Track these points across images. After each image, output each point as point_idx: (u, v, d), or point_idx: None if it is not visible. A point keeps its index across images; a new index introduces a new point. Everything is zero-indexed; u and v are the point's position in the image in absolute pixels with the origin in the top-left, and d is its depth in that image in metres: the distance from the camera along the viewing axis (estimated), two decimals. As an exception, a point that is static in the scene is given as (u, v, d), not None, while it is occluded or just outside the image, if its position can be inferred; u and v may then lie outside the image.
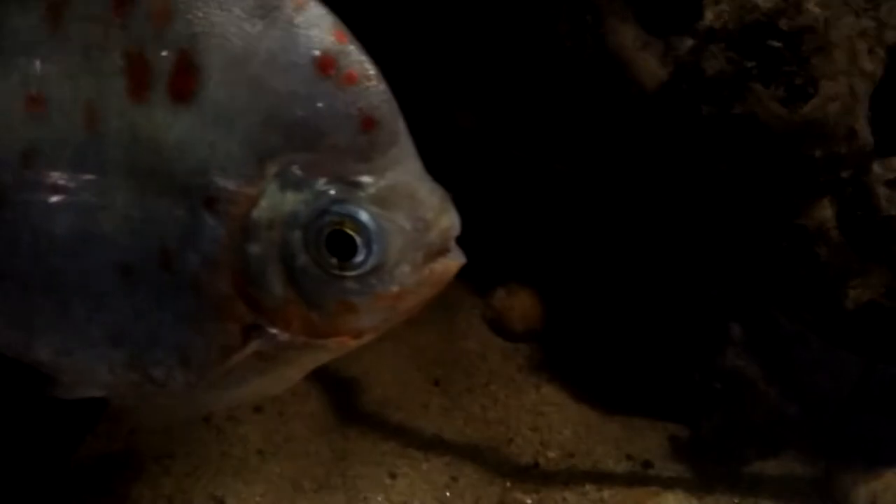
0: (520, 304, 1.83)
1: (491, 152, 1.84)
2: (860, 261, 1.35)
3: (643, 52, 1.71)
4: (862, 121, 1.38)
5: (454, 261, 0.69)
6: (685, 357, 1.50)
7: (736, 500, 1.36)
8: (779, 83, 1.40)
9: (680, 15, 1.61)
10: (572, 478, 1.42)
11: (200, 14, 0.63)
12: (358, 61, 0.65)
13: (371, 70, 0.65)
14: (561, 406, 1.62)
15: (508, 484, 1.42)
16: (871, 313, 1.32)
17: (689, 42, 1.51)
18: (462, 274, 2.23)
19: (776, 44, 1.40)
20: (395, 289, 0.66)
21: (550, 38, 1.75)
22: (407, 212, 0.66)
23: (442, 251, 0.68)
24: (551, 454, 1.48)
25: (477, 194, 1.91)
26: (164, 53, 0.63)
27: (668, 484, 1.40)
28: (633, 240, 1.63)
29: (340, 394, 1.57)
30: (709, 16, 1.48)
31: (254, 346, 0.68)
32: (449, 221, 0.68)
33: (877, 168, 1.39)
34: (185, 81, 0.63)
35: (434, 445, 1.47)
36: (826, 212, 1.37)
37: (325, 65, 0.63)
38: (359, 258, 0.65)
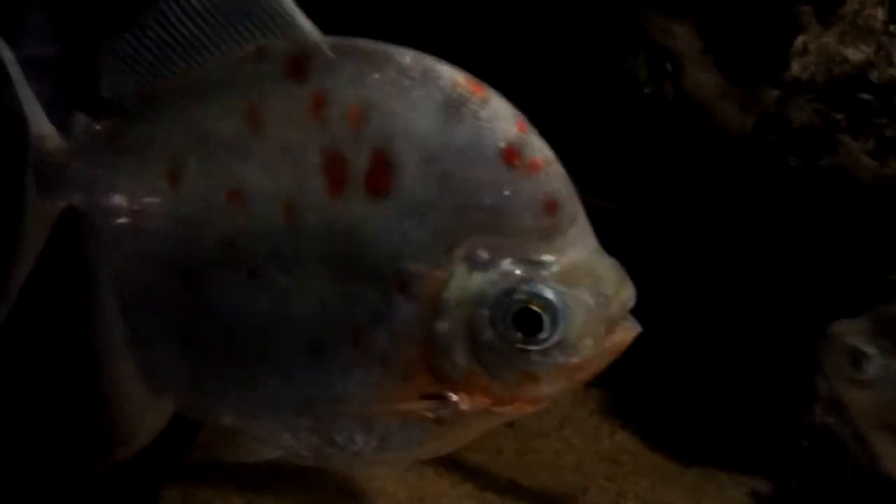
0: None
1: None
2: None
3: (724, 100, 1.72)
4: (956, 175, 1.36)
5: (631, 330, 0.71)
6: (769, 410, 1.47)
7: (822, 563, 1.32)
8: (868, 136, 1.39)
9: (763, 65, 1.61)
10: (653, 530, 1.41)
11: (394, 114, 0.68)
12: (539, 149, 0.69)
13: (551, 156, 0.69)
14: (636, 454, 1.59)
15: (588, 534, 1.41)
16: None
17: (775, 93, 1.52)
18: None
19: (867, 96, 1.40)
20: (576, 360, 0.69)
21: (629, 85, 1.77)
22: (589, 287, 0.69)
23: (620, 321, 0.71)
24: (628, 504, 1.47)
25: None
26: (360, 151, 0.68)
27: (751, 541, 1.37)
28: (716, 286, 1.61)
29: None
30: (795, 67, 1.48)
31: (434, 412, 0.70)
32: (627, 294, 0.71)
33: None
34: (380, 177, 0.68)
35: (510, 490, 1.46)
36: (920, 267, 1.35)
37: (511, 155, 0.67)
38: (544, 334, 0.68)
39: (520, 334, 0.68)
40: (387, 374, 0.70)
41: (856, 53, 1.41)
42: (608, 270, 0.70)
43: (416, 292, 0.68)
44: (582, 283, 0.68)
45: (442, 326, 0.68)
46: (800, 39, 1.48)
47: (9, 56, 0.79)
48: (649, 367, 1.71)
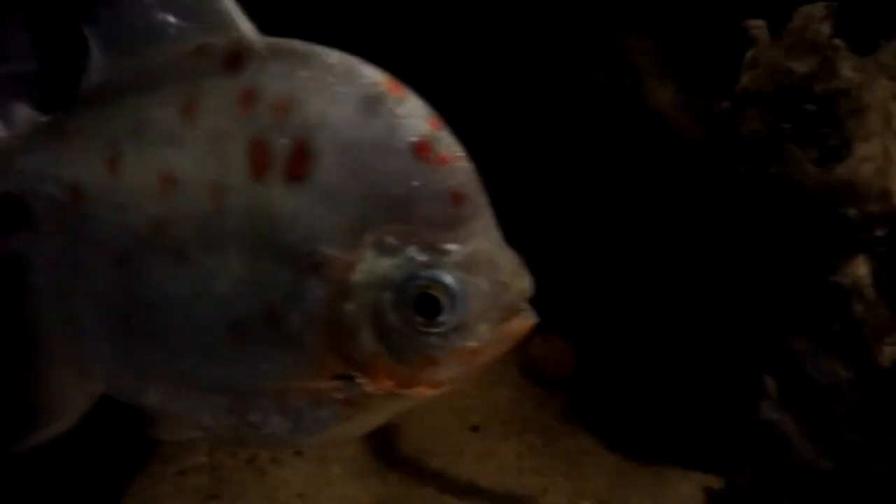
0: (555, 353, 1.86)
1: (531, 208, 1.90)
2: (895, 318, 1.37)
3: (680, 112, 1.78)
4: (895, 181, 1.41)
5: (528, 320, 0.75)
6: (719, 409, 1.51)
7: (770, 555, 1.36)
8: (813, 144, 1.45)
9: (717, 78, 1.67)
10: (608, 527, 1.43)
11: (315, 107, 0.72)
12: (449, 145, 0.73)
13: (460, 152, 0.73)
14: (595, 455, 1.63)
15: (544, 532, 1.43)
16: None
17: (725, 104, 1.57)
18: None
19: (811, 107, 1.46)
20: (473, 344, 0.72)
21: (589, 98, 1.82)
22: (487, 276, 0.73)
23: (517, 311, 0.74)
24: (585, 503, 1.49)
25: (518, 245, 1.97)
26: (283, 141, 0.72)
27: (702, 536, 1.40)
28: (670, 291, 1.66)
29: (380, 439, 1.61)
30: (745, 80, 1.53)
31: (343, 392, 0.74)
32: (523, 284, 0.75)
33: (910, 227, 1.42)
34: (299, 165, 0.72)
35: (470, 492, 1.49)
36: (861, 269, 1.40)
37: (422, 149, 0.72)
38: (443, 317, 0.72)
39: (420, 318, 0.71)
40: (299, 355, 0.73)
41: (801, 66, 1.47)
42: (507, 261, 0.74)
43: (328, 275, 0.71)
44: (481, 272, 0.72)
45: (350, 308, 0.72)
46: (750, 53, 1.54)
47: None
48: (610, 371, 1.75)
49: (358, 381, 0.73)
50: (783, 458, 1.41)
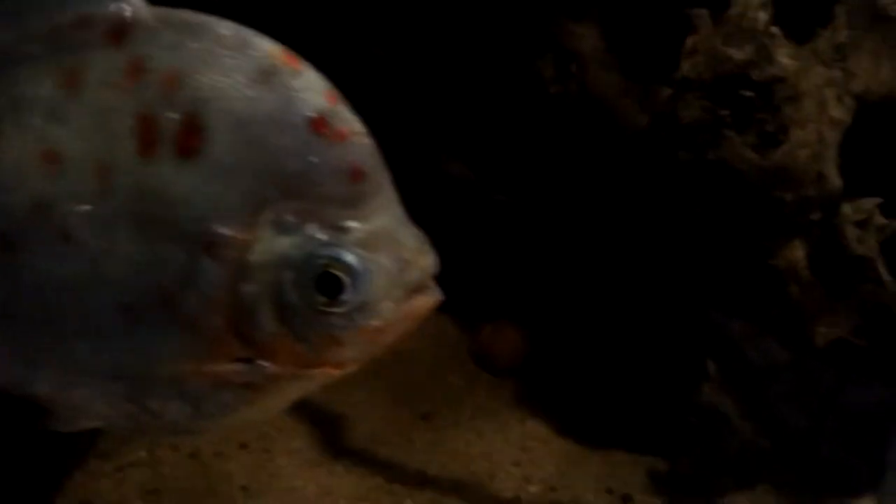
0: (506, 340, 1.87)
1: (479, 197, 1.90)
2: (830, 299, 1.40)
3: (625, 100, 1.79)
4: (830, 166, 1.45)
5: (432, 297, 0.74)
6: (664, 393, 1.54)
7: (711, 533, 1.39)
8: (751, 130, 1.48)
9: (660, 65, 1.69)
10: (553, 512, 1.45)
11: (206, 80, 0.69)
12: (346, 120, 0.71)
13: (359, 128, 0.71)
14: (545, 440, 1.64)
15: (491, 518, 1.44)
16: (840, 350, 1.37)
17: (667, 91, 1.59)
18: (450, 310, 2.26)
19: (748, 93, 1.48)
20: (377, 323, 0.72)
21: (536, 85, 1.83)
22: (389, 253, 0.71)
23: (421, 288, 0.73)
24: (533, 489, 1.51)
25: (466, 235, 1.97)
26: (172, 115, 0.69)
27: (646, 517, 1.43)
28: (615, 278, 1.68)
29: (327, 430, 1.60)
30: (685, 67, 1.55)
31: (243, 375, 0.72)
32: (427, 261, 0.74)
33: (846, 210, 1.46)
34: (190, 140, 0.69)
35: (418, 481, 1.49)
36: (797, 252, 1.43)
37: (318, 124, 0.70)
38: (344, 296, 0.70)
39: (322, 297, 0.70)
40: (196, 338, 0.71)
41: (739, 53, 1.49)
42: (410, 238, 0.73)
43: (223, 255, 0.70)
44: (383, 249, 0.71)
45: (248, 289, 0.70)
46: (690, 40, 1.55)
47: None
48: (561, 357, 1.77)
49: (259, 363, 0.71)
50: (723, 439, 1.45)
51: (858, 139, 1.50)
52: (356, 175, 0.70)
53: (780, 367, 1.39)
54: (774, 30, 1.49)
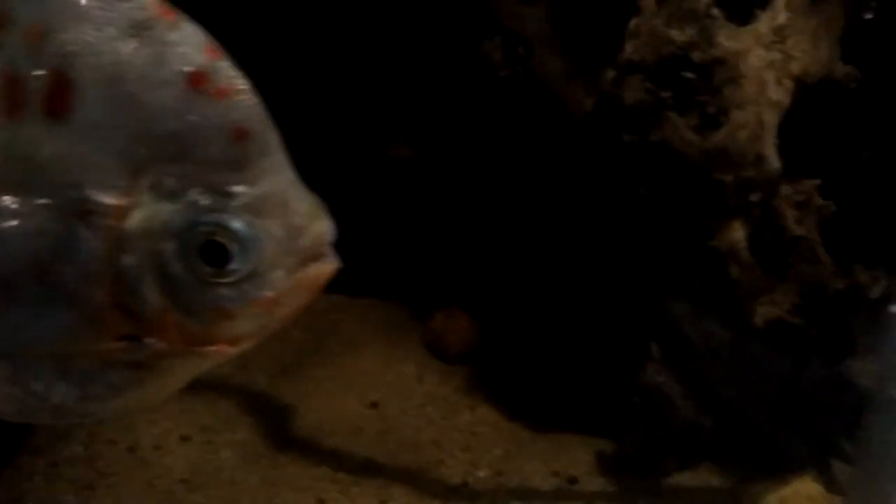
0: (457, 328, 1.86)
1: (427, 181, 1.89)
2: (769, 279, 1.42)
3: (571, 82, 1.79)
4: (770, 147, 1.46)
5: (328, 265, 0.69)
6: (611, 375, 1.55)
7: (655, 512, 1.41)
8: (693, 112, 1.48)
9: (605, 47, 1.68)
10: (499, 496, 1.45)
11: (74, 34, 0.64)
12: (228, 76, 0.66)
13: (242, 84, 0.66)
14: (494, 425, 1.64)
15: (437, 504, 1.44)
16: (778, 329, 1.38)
17: (612, 73, 1.59)
18: (402, 299, 2.23)
19: (690, 75, 1.48)
20: (270, 294, 0.67)
21: (484, 69, 1.81)
22: (279, 219, 0.67)
23: (316, 256, 0.69)
24: (481, 473, 1.51)
25: (416, 221, 1.96)
26: (38, 72, 0.64)
27: (591, 498, 1.43)
28: (562, 262, 1.68)
29: (273, 421, 1.57)
30: (628, 49, 1.55)
31: (130, 354, 0.69)
32: (321, 227, 0.69)
33: (785, 191, 1.47)
34: (59, 100, 0.64)
35: (366, 469, 1.48)
36: (737, 233, 1.44)
37: (197, 80, 0.65)
38: (232, 266, 0.66)
39: (208, 268, 0.66)
40: (77, 315, 0.67)
41: (680, 35, 1.49)
42: (302, 203, 0.69)
43: (100, 223, 0.65)
44: (273, 215, 0.67)
45: (128, 261, 0.66)
46: (634, 22, 1.55)
47: None
48: (511, 343, 1.77)
49: (146, 340, 0.67)
50: (666, 419, 1.46)
51: (798, 121, 1.51)
52: (240, 135, 0.66)
53: (720, 347, 1.41)
54: (716, 12, 1.49)
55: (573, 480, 1.49)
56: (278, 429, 1.55)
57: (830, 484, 1.44)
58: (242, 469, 1.42)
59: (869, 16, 1.64)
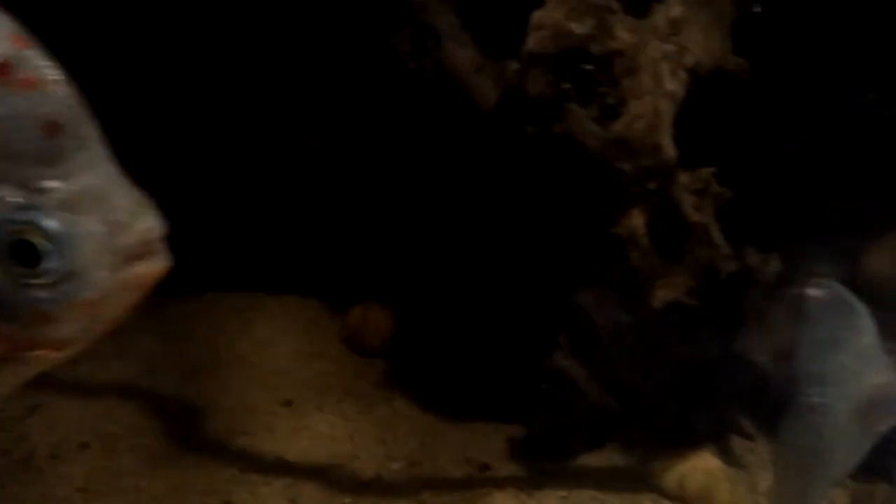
0: (375, 321, 1.86)
1: (340, 173, 1.87)
2: (666, 264, 1.47)
3: (478, 75, 1.80)
4: (666, 137, 1.51)
5: (156, 263, 0.67)
6: (522, 362, 1.57)
7: (563, 494, 1.44)
8: (593, 104, 1.52)
9: (512, 40, 1.70)
10: (412, 487, 1.46)
11: None
12: (37, 66, 0.63)
13: (53, 75, 0.64)
14: (410, 418, 1.65)
15: (349, 500, 1.42)
16: (676, 311, 1.44)
17: (515, 66, 1.61)
18: (319, 294, 2.20)
19: (589, 67, 1.52)
20: (91, 295, 0.65)
21: (393, 61, 1.81)
22: (98, 216, 0.65)
23: (142, 254, 0.66)
24: (395, 466, 1.51)
25: (331, 214, 1.94)
26: None
27: (501, 484, 1.46)
28: (472, 253, 1.70)
29: (180, 425, 1.53)
30: (531, 41, 1.57)
31: None
32: (147, 224, 0.67)
33: (683, 179, 1.53)
34: None
35: (276, 469, 1.46)
36: (637, 221, 1.49)
37: (1, 71, 0.62)
38: (46, 265, 0.63)
39: (20, 268, 0.63)
40: None
41: (580, 27, 1.52)
42: (123, 199, 0.66)
43: None
44: (90, 212, 0.65)
45: None
46: (536, 14, 1.57)
47: None
48: (428, 335, 1.78)
49: None
50: (572, 402, 1.50)
51: (692, 111, 1.57)
52: (51, 128, 0.63)
53: (623, 331, 1.45)
54: (614, 4, 1.53)
55: (485, 466, 1.51)
56: (186, 433, 1.51)
57: (729, 458, 1.50)
58: (146, 475, 1.38)
59: (758, 9, 1.72)
